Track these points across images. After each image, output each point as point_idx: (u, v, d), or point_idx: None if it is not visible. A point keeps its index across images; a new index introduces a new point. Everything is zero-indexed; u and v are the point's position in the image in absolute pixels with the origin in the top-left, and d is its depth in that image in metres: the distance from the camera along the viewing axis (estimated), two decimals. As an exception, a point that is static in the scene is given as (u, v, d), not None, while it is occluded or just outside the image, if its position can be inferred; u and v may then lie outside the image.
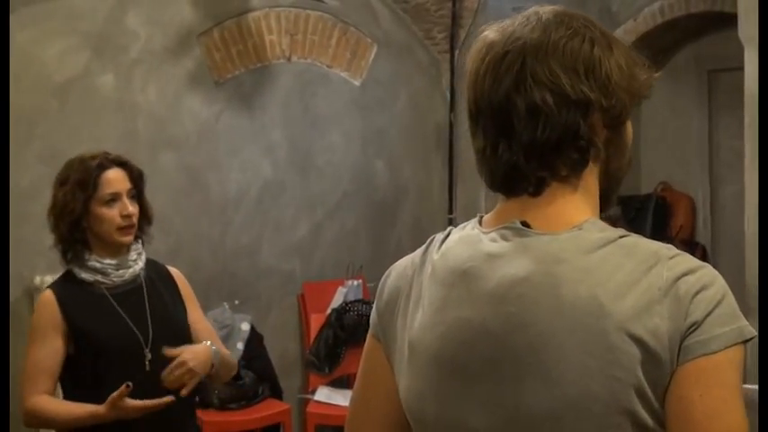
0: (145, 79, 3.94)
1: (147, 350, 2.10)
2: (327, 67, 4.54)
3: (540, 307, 0.90)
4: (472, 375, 0.94)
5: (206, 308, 3.95)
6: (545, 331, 0.90)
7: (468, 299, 0.95)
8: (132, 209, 2.16)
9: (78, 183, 2.13)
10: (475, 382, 0.94)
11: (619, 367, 0.87)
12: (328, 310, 4.29)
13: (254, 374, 3.94)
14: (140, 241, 2.22)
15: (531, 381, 0.90)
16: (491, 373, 0.93)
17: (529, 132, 0.94)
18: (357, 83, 4.65)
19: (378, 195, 4.77)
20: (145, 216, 2.23)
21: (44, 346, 2.08)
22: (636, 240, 0.94)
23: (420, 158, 4.91)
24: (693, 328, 0.88)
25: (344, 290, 4.38)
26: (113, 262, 2.15)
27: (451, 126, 4.90)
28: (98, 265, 2.14)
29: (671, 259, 0.91)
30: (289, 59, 4.37)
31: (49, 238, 2.22)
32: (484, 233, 0.99)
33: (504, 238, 0.96)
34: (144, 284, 2.18)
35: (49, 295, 2.13)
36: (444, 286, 0.98)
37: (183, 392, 2.05)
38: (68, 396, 2.13)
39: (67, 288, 2.13)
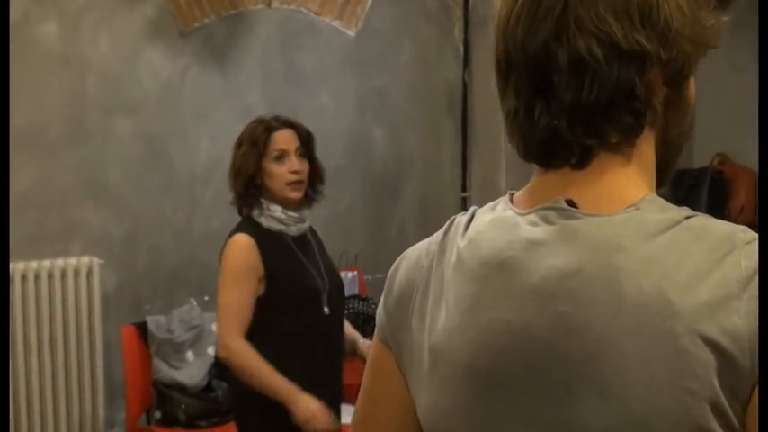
0: (95, 29, 3.99)
1: (325, 296, 2.74)
2: (315, 14, 4.57)
3: (596, 305, 0.90)
4: (513, 389, 0.94)
5: (170, 305, 4.07)
6: (603, 335, 0.89)
7: (506, 296, 0.95)
8: (299, 166, 2.76)
9: (250, 142, 2.77)
10: (517, 398, 0.94)
11: (691, 377, 0.86)
12: None
13: (227, 385, 3.88)
14: (306, 200, 2.81)
15: (587, 395, 0.90)
16: (537, 387, 0.93)
17: (572, 91, 0.94)
18: (351, 33, 4.69)
19: (376, 170, 4.81)
20: (317, 175, 2.84)
21: (243, 289, 2.68)
22: (705, 222, 0.93)
23: (427, 125, 4.95)
24: None
25: None
26: (295, 215, 2.78)
27: (465, 86, 4.95)
28: (283, 216, 2.76)
29: (748, 245, 0.89)
30: (269, 4, 4.41)
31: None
32: (520, 215, 0.98)
33: (547, 221, 0.96)
34: (312, 239, 2.83)
35: (246, 240, 2.71)
36: (475, 281, 0.98)
37: None
38: None
39: (258, 234, 2.72)
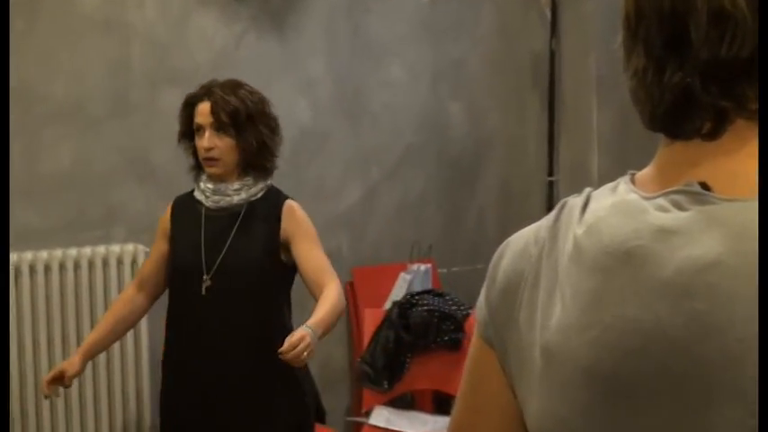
0: (141, -9, 4.01)
1: (207, 276, 2.87)
2: (386, -26, 4.58)
3: (737, 302, 0.87)
4: (642, 397, 0.93)
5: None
6: (747, 337, 0.87)
7: (634, 291, 0.94)
8: (209, 142, 2.89)
9: (180, 110, 3.02)
10: (646, 407, 0.93)
11: None
12: (387, 304, 4.31)
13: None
14: (251, 174, 2.94)
15: (728, 405, 0.88)
16: (669, 395, 0.91)
17: (710, 46, 0.92)
18: (425, -3, 4.66)
19: (453, 151, 4.78)
20: (247, 151, 2.91)
21: (154, 246, 3.10)
22: None
23: (509, 101, 4.91)
24: None
25: (408, 277, 4.39)
26: (211, 186, 2.95)
27: (553, 56, 4.87)
28: (202, 186, 2.97)
29: None
30: (334, -37, 4.44)
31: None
32: (646, 199, 0.97)
33: (678, 206, 0.94)
34: (241, 216, 2.93)
35: (172, 202, 3.08)
36: (597, 273, 0.96)
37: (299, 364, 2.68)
38: None
39: (182, 199, 3.05)
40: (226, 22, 4.14)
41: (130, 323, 3.10)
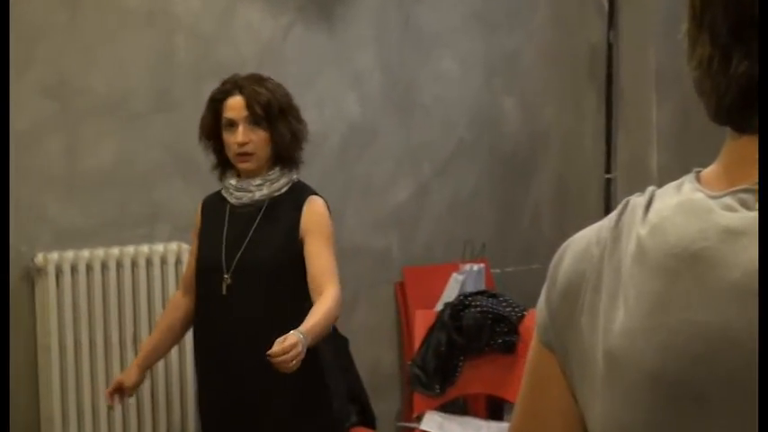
0: (185, -19, 4.03)
1: (227, 275, 2.90)
2: (438, -38, 4.59)
3: None
4: (712, 404, 0.92)
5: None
6: None
7: (701, 294, 0.94)
8: (244, 137, 2.89)
9: (206, 107, 3.02)
10: (716, 415, 0.92)
11: None
12: (439, 306, 4.27)
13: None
14: (277, 168, 2.96)
15: None
16: (741, 402, 0.91)
17: None
18: (479, -14, 4.70)
19: (506, 146, 4.75)
20: (280, 144, 2.92)
21: (191, 248, 3.17)
22: None
23: (566, 95, 4.88)
24: None
25: (461, 277, 4.35)
26: (234, 183, 2.97)
27: (611, 48, 4.81)
28: (226, 183, 2.99)
29: None
30: (384, -48, 4.46)
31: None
32: (712, 198, 0.97)
33: (746, 205, 0.94)
34: (262, 212, 2.95)
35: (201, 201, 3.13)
36: (662, 275, 0.96)
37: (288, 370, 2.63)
38: None
39: (211, 197, 3.08)
40: (272, 13, 4.14)
41: (183, 327, 3.12)
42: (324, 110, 4.22)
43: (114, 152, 3.85)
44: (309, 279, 2.85)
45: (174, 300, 3.17)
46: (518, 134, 4.75)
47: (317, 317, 2.71)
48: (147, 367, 3.09)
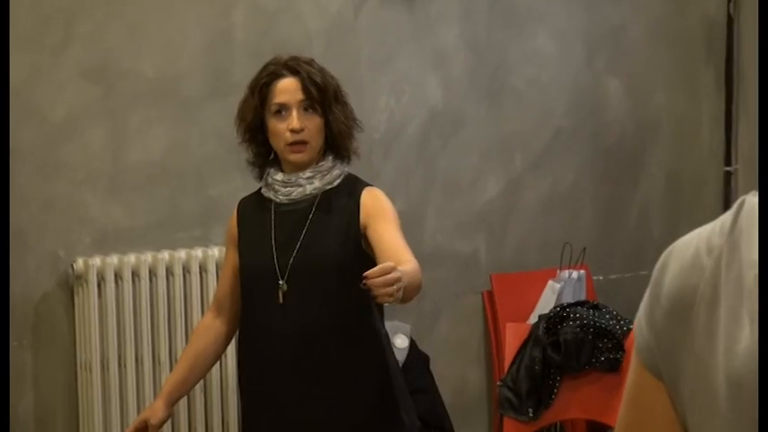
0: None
1: (283, 281, 2.76)
2: (533, -73, 4.50)
3: None
4: None
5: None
6: None
7: None
8: (299, 123, 2.75)
9: (250, 88, 2.86)
10: None
11: None
12: (533, 318, 4.14)
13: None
14: (329, 158, 2.84)
15: None
16: None
17: None
18: (579, -47, 4.60)
19: (611, 136, 4.62)
20: (337, 132, 2.81)
21: (225, 262, 2.97)
22: None
23: (679, 76, 4.71)
24: None
25: (558, 286, 4.25)
26: (280, 178, 2.82)
27: (730, 23, 4.64)
28: (270, 179, 2.84)
29: None
30: None
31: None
32: None
33: None
34: (314, 207, 2.81)
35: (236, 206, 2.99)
36: None
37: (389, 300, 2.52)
38: None
39: (248, 199, 2.94)
40: (344, -14, 4.08)
41: (214, 355, 2.97)
42: (401, 95, 4.18)
43: (164, 143, 3.79)
44: (380, 258, 2.69)
45: (203, 323, 3.01)
46: (624, 121, 4.60)
47: (407, 266, 2.58)
48: (174, 402, 2.92)
